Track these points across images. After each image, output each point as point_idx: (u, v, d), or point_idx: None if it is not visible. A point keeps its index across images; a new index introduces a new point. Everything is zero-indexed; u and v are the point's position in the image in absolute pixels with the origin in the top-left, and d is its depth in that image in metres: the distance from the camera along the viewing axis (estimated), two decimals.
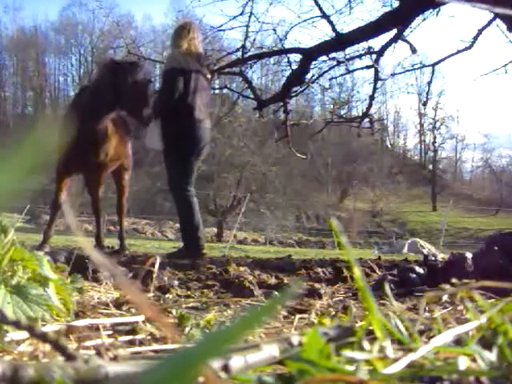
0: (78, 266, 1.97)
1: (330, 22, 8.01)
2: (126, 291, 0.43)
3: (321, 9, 8.24)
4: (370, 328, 0.69)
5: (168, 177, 4.93)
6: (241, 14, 8.74)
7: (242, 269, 3.09)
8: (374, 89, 9.06)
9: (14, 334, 0.86)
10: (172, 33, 5.24)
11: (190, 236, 4.79)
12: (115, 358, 0.71)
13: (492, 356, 0.63)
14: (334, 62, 8.52)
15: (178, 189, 4.81)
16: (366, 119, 9.41)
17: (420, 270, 2.47)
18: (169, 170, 4.90)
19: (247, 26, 8.70)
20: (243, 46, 8.63)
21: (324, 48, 7.99)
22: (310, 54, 7.95)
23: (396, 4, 7.70)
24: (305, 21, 8.79)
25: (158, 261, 1.75)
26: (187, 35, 4.86)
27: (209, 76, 5.30)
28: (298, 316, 1.37)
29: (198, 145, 4.87)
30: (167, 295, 1.99)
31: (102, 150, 4.94)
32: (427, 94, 12.17)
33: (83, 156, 4.79)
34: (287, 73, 8.77)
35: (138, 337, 0.99)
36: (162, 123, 4.80)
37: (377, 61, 8.47)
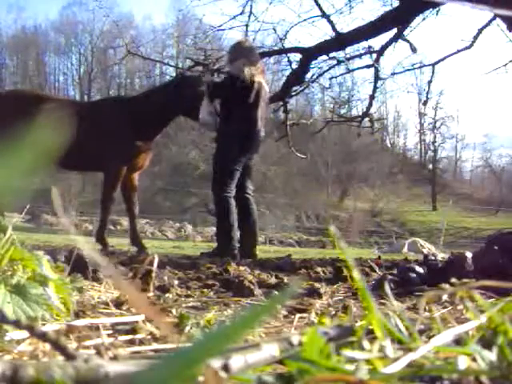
0: (78, 265, 1.96)
1: (330, 22, 8.01)
2: (124, 291, 0.43)
3: (321, 8, 8.24)
4: (370, 327, 0.69)
5: (213, 177, 5.13)
6: (241, 13, 8.75)
7: (241, 268, 3.09)
8: (374, 88, 9.06)
9: (13, 334, 0.86)
10: (231, 48, 5.58)
11: (224, 237, 5.00)
12: (115, 358, 0.71)
13: (492, 356, 0.63)
14: (334, 62, 8.52)
15: (220, 191, 5.00)
16: (366, 118, 9.40)
17: (420, 270, 2.46)
18: (216, 171, 5.12)
19: (247, 26, 8.71)
20: None
21: (324, 47, 7.98)
22: (309, 54, 7.94)
23: (396, 3, 7.71)
24: (305, 20, 8.79)
25: (156, 260, 1.75)
26: (247, 49, 5.30)
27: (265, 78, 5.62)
28: (297, 315, 1.37)
29: (251, 151, 5.20)
30: (167, 295, 1.99)
31: None
32: (427, 93, 12.19)
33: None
34: (287, 72, 8.77)
35: (138, 336, 0.99)
36: (225, 125, 5.12)
37: (377, 60, 8.47)
